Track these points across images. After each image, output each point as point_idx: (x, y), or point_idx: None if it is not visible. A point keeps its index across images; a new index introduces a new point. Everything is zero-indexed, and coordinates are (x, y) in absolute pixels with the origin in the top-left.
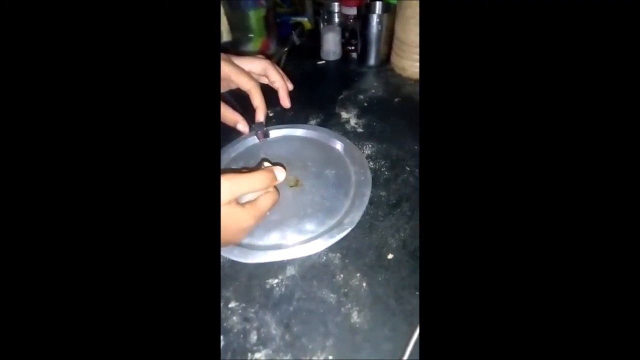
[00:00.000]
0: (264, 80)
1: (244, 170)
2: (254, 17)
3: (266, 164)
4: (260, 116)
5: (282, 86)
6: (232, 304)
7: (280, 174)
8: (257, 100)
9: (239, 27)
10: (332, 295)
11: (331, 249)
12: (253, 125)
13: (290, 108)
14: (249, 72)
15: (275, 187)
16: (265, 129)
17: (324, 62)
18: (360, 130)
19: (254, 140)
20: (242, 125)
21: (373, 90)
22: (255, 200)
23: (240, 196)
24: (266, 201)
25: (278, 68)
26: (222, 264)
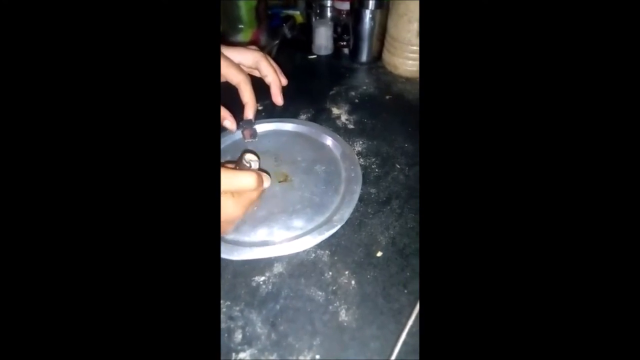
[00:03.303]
0: (256, 74)
1: (229, 165)
2: (245, 7)
3: (248, 155)
4: (249, 113)
5: (275, 81)
6: None
7: (265, 181)
8: (247, 96)
9: (229, 17)
10: (320, 293)
11: (320, 246)
12: (241, 123)
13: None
14: (238, 65)
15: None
16: (253, 128)
17: (315, 56)
18: (351, 126)
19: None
20: (230, 122)
21: (364, 87)
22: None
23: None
24: (254, 192)
25: (271, 61)
26: None
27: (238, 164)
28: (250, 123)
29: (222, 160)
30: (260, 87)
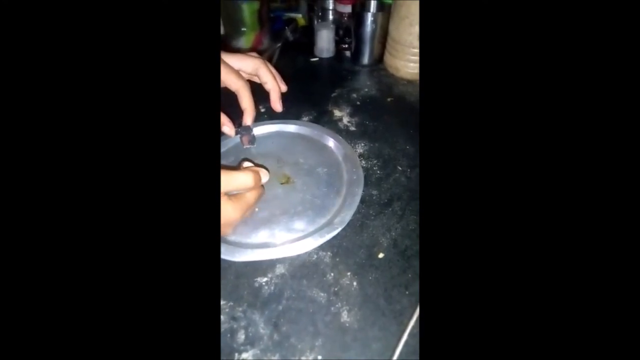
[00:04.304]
0: (256, 80)
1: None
2: (248, 10)
3: (246, 163)
4: (247, 119)
5: (274, 88)
6: None
7: (263, 176)
8: (246, 102)
9: (232, 19)
10: (322, 295)
11: (322, 247)
12: (239, 129)
13: (283, 103)
14: (238, 71)
15: None
16: (252, 134)
17: (317, 59)
18: (352, 128)
19: None
20: (228, 128)
21: (366, 89)
22: (241, 193)
23: (227, 192)
24: (252, 195)
25: (271, 67)
26: None
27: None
28: (248, 129)
29: (227, 162)
30: (261, 89)
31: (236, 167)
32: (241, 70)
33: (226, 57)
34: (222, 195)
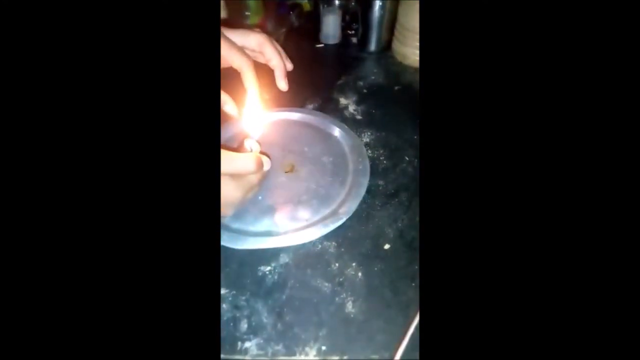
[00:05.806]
0: (260, 58)
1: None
2: None
3: (248, 141)
4: (251, 99)
5: (279, 65)
6: (221, 291)
7: (265, 164)
8: (249, 81)
9: (234, 2)
10: (327, 285)
11: (326, 237)
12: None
13: (287, 91)
14: (241, 48)
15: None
16: (258, 116)
17: (322, 45)
18: (359, 117)
19: None
20: (230, 106)
21: (373, 77)
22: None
23: (227, 174)
24: (254, 175)
25: (276, 44)
26: None
27: (238, 150)
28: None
29: (234, 146)
30: (265, 74)
31: (239, 146)
32: (244, 47)
33: (229, 33)
34: (223, 174)
